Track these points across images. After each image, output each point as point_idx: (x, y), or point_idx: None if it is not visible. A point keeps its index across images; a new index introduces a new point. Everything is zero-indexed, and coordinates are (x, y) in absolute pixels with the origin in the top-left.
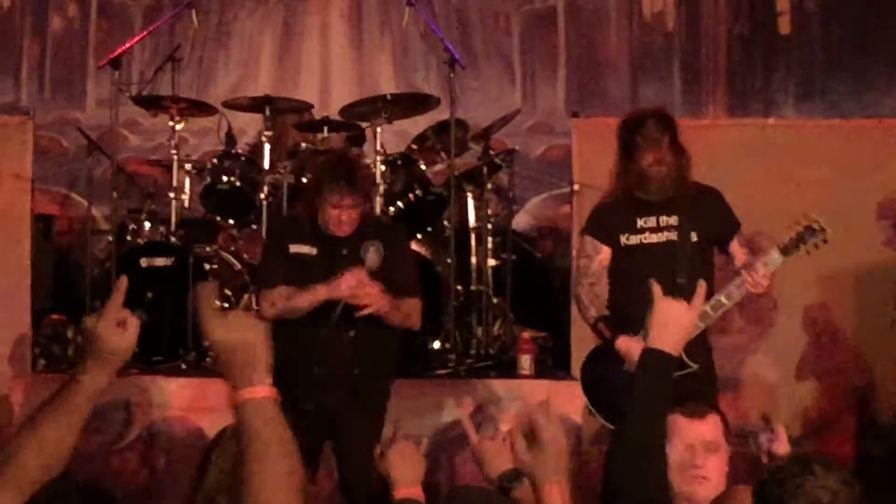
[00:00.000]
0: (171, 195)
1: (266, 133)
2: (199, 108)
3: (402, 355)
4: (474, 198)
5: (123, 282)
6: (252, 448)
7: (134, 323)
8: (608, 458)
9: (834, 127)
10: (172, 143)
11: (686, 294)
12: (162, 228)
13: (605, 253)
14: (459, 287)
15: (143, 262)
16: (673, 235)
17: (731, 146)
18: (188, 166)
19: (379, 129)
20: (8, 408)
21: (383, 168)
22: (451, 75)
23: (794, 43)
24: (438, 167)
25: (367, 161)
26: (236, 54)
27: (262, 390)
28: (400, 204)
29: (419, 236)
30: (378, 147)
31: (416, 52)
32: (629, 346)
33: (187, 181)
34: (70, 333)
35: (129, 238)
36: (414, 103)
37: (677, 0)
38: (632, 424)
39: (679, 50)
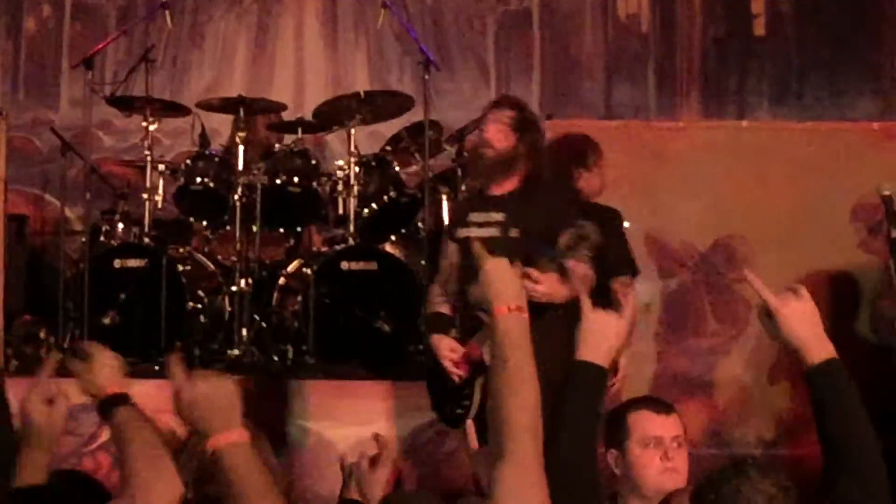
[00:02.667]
0: (145, 196)
1: (240, 134)
2: (172, 108)
3: (379, 357)
4: (448, 199)
5: (52, 361)
6: (232, 491)
7: (62, 402)
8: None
9: (808, 129)
10: (146, 143)
11: None
12: (135, 229)
13: (452, 248)
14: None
15: (117, 263)
16: (495, 231)
17: (706, 148)
18: (162, 167)
19: (353, 131)
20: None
21: (357, 169)
22: (426, 76)
23: (769, 45)
24: (413, 168)
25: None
26: (210, 55)
27: (234, 435)
28: (374, 205)
29: (393, 238)
30: (352, 149)
31: (391, 54)
32: (437, 345)
33: (161, 182)
34: (42, 334)
35: (102, 239)
36: (388, 103)
37: (652, 2)
38: (563, 439)
39: (653, 52)
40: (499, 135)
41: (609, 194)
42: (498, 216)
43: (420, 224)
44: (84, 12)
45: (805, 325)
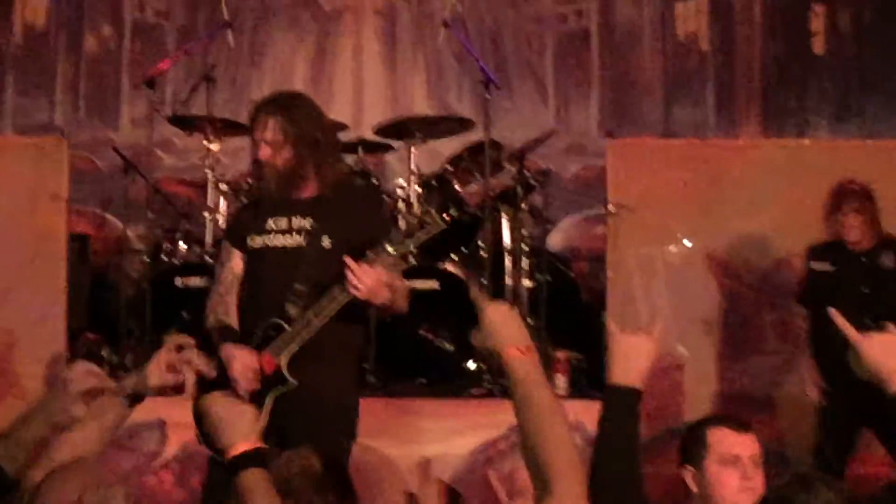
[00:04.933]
0: (206, 215)
1: None
2: (233, 127)
3: (440, 376)
4: (509, 218)
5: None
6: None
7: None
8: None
9: (869, 147)
10: (207, 162)
11: (303, 301)
12: (197, 248)
13: (237, 258)
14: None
15: (178, 281)
16: (303, 239)
17: (766, 167)
18: (223, 186)
19: (413, 150)
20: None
21: (417, 189)
22: (487, 96)
23: (828, 63)
24: (473, 188)
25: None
26: (270, 74)
27: (243, 446)
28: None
29: (454, 257)
30: (412, 167)
31: (450, 73)
32: (226, 353)
33: (222, 201)
34: (105, 353)
35: (164, 258)
36: (449, 126)
37: (711, 21)
38: (603, 465)
39: (713, 70)
40: (269, 151)
41: (669, 212)
42: (304, 222)
43: (480, 243)
44: (144, 32)
45: (888, 355)
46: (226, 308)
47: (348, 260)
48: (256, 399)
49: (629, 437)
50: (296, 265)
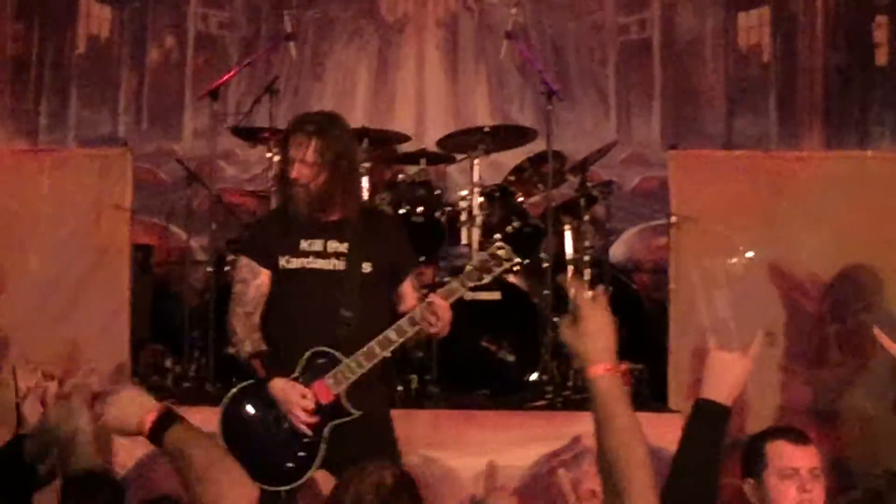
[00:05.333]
0: None
1: (363, 165)
2: None
3: (502, 387)
4: (571, 229)
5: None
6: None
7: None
8: None
9: None
10: (270, 174)
11: (350, 329)
12: None
13: (264, 277)
14: (556, 319)
15: None
16: (341, 264)
17: (829, 178)
18: None
19: (476, 161)
20: (107, 437)
21: (480, 200)
22: (549, 107)
23: (891, 74)
24: (535, 199)
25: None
26: (332, 86)
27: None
28: (497, 236)
29: (517, 268)
30: (475, 179)
31: (512, 84)
32: (285, 390)
33: None
34: (168, 363)
35: (226, 269)
36: (511, 136)
37: (773, 32)
38: (682, 477)
39: (775, 82)
40: (306, 172)
41: (732, 223)
42: (340, 246)
43: (543, 254)
44: (207, 43)
45: None
46: (258, 333)
47: (435, 297)
48: (313, 429)
49: (712, 452)
50: (335, 289)
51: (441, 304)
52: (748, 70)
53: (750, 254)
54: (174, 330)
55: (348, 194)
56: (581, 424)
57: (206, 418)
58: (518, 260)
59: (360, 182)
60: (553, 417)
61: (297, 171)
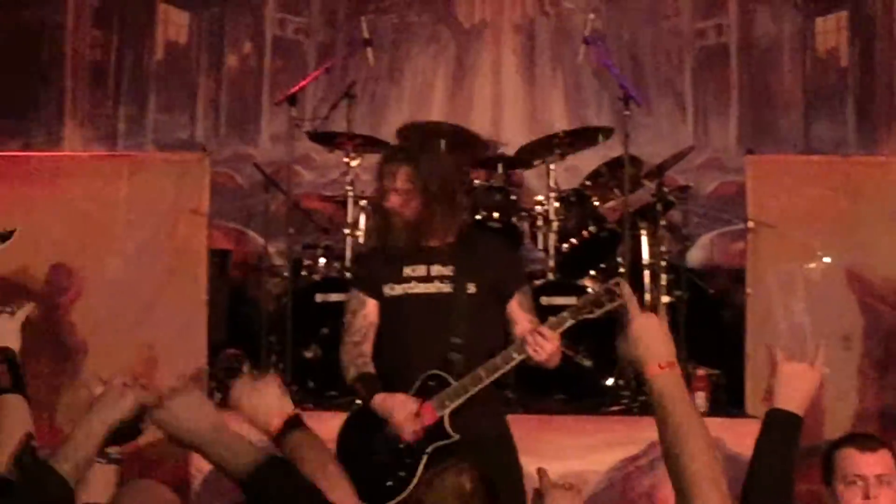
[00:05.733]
0: (346, 231)
1: (466, 176)
2: (372, 144)
3: (579, 392)
4: (648, 234)
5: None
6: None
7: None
8: None
9: None
10: (347, 179)
11: (460, 354)
12: (336, 264)
13: (371, 307)
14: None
15: (318, 297)
16: (446, 287)
17: None
18: (363, 202)
19: (552, 167)
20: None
21: (556, 204)
22: (626, 112)
23: None
24: (612, 204)
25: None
26: (409, 90)
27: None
28: (573, 240)
29: (592, 273)
30: (551, 184)
31: (589, 89)
32: (385, 401)
33: (362, 217)
34: (245, 368)
35: (304, 273)
36: (585, 136)
37: (851, 36)
38: (757, 488)
39: (853, 86)
40: (399, 200)
41: (809, 228)
42: (445, 270)
43: (619, 259)
44: (284, 49)
45: None
46: (364, 358)
47: (542, 329)
48: (412, 453)
49: (786, 462)
50: (441, 312)
51: (549, 334)
52: (826, 75)
53: (827, 259)
54: (251, 334)
55: (447, 217)
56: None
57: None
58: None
59: (460, 203)
60: (629, 422)
61: (391, 200)
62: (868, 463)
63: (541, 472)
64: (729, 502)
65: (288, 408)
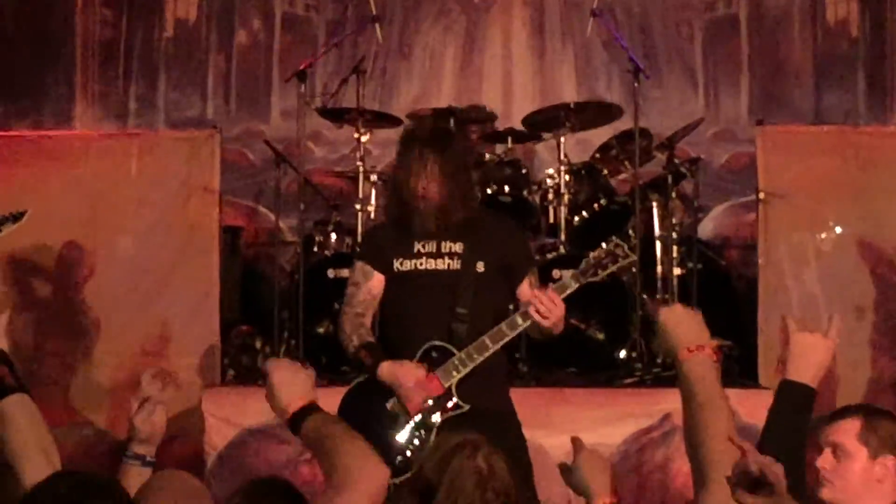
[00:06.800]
0: (357, 206)
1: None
2: (383, 119)
3: (592, 365)
4: (659, 207)
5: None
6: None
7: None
8: None
9: None
10: (358, 154)
11: (465, 325)
12: (348, 240)
13: (376, 280)
14: (645, 296)
15: (330, 273)
16: (455, 263)
17: None
18: (374, 177)
19: (562, 139)
20: (199, 417)
21: (567, 178)
22: (636, 84)
23: None
24: (622, 176)
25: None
26: (419, 65)
27: (300, 402)
28: (584, 213)
29: (604, 245)
30: (562, 157)
31: (599, 62)
32: (393, 370)
33: (373, 192)
34: (258, 344)
35: (315, 249)
36: (597, 113)
37: (861, 6)
38: (769, 455)
39: (863, 56)
40: (432, 188)
41: (820, 199)
42: (455, 246)
43: (630, 232)
44: (294, 25)
45: None
46: (366, 329)
47: (548, 292)
48: (422, 421)
49: (798, 433)
50: (450, 289)
51: (555, 297)
52: (836, 45)
53: (839, 229)
54: (263, 311)
55: (467, 201)
56: (670, 401)
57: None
58: (634, 258)
59: (475, 187)
60: (642, 395)
61: (423, 188)
62: (828, 431)
63: (575, 440)
64: None
65: (312, 396)
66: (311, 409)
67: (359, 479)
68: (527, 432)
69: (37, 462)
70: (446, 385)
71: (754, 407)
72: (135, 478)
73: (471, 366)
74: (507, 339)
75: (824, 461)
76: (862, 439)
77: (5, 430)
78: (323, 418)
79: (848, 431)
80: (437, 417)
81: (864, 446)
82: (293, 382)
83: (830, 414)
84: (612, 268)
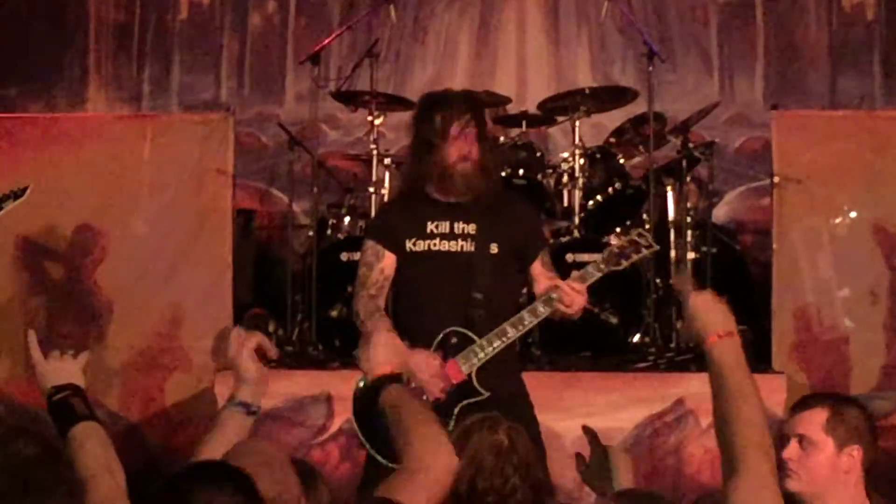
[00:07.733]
0: (371, 189)
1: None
2: (397, 102)
3: (605, 350)
4: (673, 191)
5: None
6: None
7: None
8: None
9: None
10: (371, 137)
11: (482, 310)
12: (361, 223)
13: (388, 261)
14: (659, 280)
15: (344, 256)
16: (469, 245)
17: None
18: (387, 161)
19: (577, 123)
20: (211, 400)
21: (581, 161)
22: (650, 68)
23: None
24: (637, 160)
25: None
26: (433, 49)
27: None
28: (599, 197)
29: (618, 230)
30: (576, 141)
31: (613, 45)
32: (415, 359)
33: (387, 176)
34: (271, 327)
35: (329, 233)
36: (612, 97)
37: None
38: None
39: (879, 41)
40: (475, 151)
41: (835, 183)
42: (468, 227)
43: (645, 216)
44: (308, 7)
45: None
46: (378, 310)
47: (572, 283)
48: (443, 408)
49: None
50: (464, 271)
51: (580, 287)
52: (852, 29)
53: (853, 214)
54: (276, 294)
55: (497, 171)
56: (684, 386)
57: (309, 381)
58: (657, 247)
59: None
60: (656, 379)
61: (468, 150)
62: (792, 422)
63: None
64: (776, 473)
65: (401, 368)
66: (395, 378)
67: (430, 465)
68: (540, 416)
69: (103, 481)
70: (466, 372)
71: (768, 391)
72: (235, 427)
73: (491, 353)
74: (528, 327)
75: (790, 452)
76: (828, 430)
77: (76, 454)
78: (400, 392)
79: (814, 422)
80: (455, 405)
81: (831, 437)
82: (388, 348)
83: (796, 403)
84: (636, 258)
